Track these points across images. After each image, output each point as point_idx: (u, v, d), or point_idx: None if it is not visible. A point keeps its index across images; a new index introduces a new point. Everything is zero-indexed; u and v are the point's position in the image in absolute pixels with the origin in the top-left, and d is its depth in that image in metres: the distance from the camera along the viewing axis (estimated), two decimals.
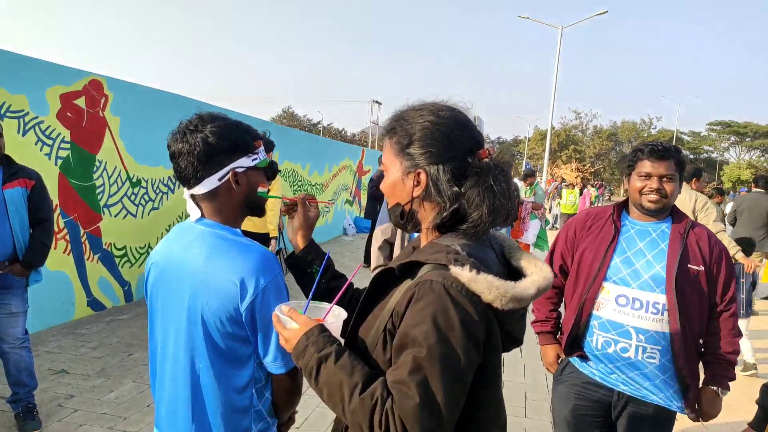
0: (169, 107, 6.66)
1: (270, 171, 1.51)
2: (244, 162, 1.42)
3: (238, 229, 1.46)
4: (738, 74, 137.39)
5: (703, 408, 2.19)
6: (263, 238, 6.33)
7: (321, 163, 12.21)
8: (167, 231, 6.82)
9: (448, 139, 1.21)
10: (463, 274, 1.09)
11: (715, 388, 2.18)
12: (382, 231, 2.84)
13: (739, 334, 2.22)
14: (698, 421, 2.22)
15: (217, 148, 1.39)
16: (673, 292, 2.09)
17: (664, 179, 2.20)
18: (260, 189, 1.48)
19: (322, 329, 1.19)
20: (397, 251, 2.78)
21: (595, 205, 11.26)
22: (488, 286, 1.09)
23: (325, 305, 1.33)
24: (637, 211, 2.27)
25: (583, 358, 2.29)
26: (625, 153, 59.55)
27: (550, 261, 2.48)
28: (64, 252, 5.38)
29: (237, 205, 1.46)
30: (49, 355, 4.57)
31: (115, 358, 4.61)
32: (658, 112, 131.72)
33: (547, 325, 2.49)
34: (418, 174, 1.21)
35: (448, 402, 1.06)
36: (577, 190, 13.81)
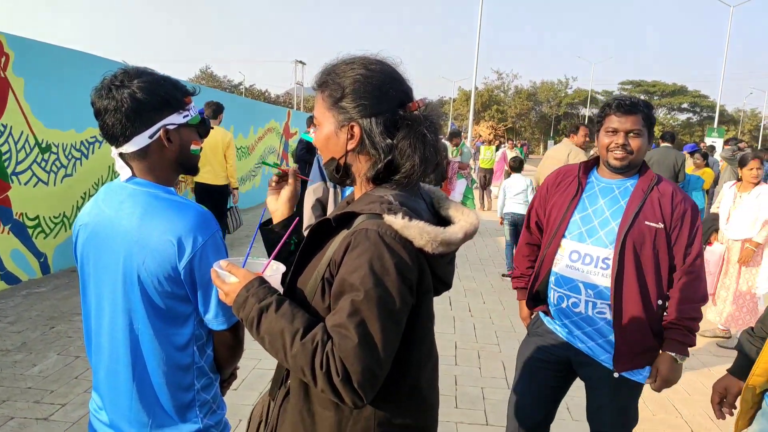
0: (78, 67, 6.23)
1: (202, 128, 1.47)
2: (175, 119, 1.38)
3: (171, 188, 1.42)
4: (647, 33, 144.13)
5: (660, 374, 2.10)
6: (221, 191, 6.35)
7: (245, 126, 11.87)
8: (83, 199, 6.49)
9: (379, 92, 1.23)
10: (396, 221, 1.14)
11: (672, 354, 2.08)
12: (313, 190, 2.84)
13: (703, 300, 2.13)
14: (657, 389, 2.14)
15: (147, 104, 1.33)
16: (618, 248, 2.07)
17: (631, 134, 2.14)
18: (193, 147, 1.44)
19: (262, 281, 1.21)
20: (330, 209, 2.79)
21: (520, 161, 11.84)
22: (420, 232, 1.14)
23: (263, 260, 1.34)
24: (605, 168, 2.23)
25: (547, 313, 2.33)
26: (543, 113, 61.76)
27: (527, 218, 2.52)
28: None
29: (169, 163, 1.42)
30: None
31: (35, 332, 4.41)
32: (575, 72, 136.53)
33: (523, 282, 2.51)
34: (352, 127, 1.23)
35: (384, 341, 1.11)
36: (493, 147, 14.28)
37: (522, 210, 6.91)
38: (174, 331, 1.39)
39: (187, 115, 1.40)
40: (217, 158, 6.44)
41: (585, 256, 2.16)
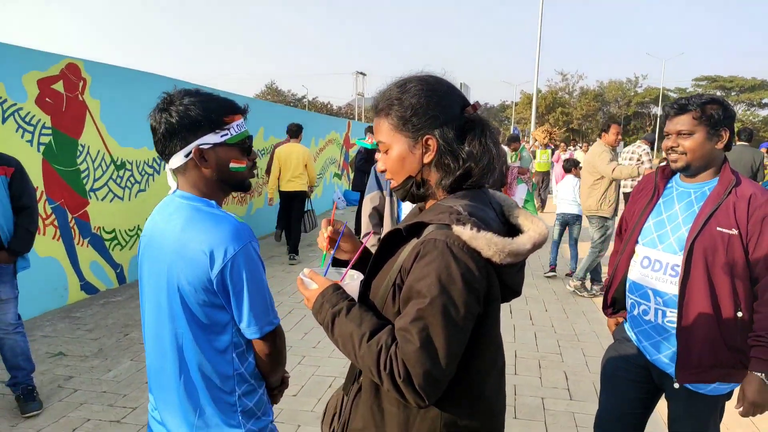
0: (149, 88, 6.59)
1: (245, 146, 1.52)
2: (211, 138, 1.44)
3: (212, 202, 1.48)
4: (723, 29, 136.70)
5: (746, 396, 1.92)
6: (300, 197, 7.73)
7: (307, 138, 12.15)
8: None
9: (444, 101, 1.27)
10: (464, 232, 1.17)
11: (759, 375, 1.89)
12: (370, 199, 2.88)
13: None
14: (744, 414, 1.95)
15: (179, 126, 1.42)
16: (686, 254, 1.98)
17: (679, 135, 2.07)
18: (233, 165, 1.49)
19: (336, 288, 1.31)
20: (386, 218, 2.83)
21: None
22: (487, 243, 1.18)
23: (342, 270, 1.45)
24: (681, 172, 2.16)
25: (626, 320, 2.30)
26: (611, 113, 59.68)
27: (619, 226, 2.48)
28: (53, 238, 5.40)
29: (209, 180, 1.49)
30: (45, 339, 4.63)
31: (111, 339, 4.68)
32: (645, 70, 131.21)
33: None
34: (427, 140, 1.27)
35: (446, 347, 1.15)
36: (549, 150, 14.01)
37: (571, 209, 6.96)
38: (213, 338, 1.45)
39: (226, 134, 1.46)
40: (298, 170, 7.59)
41: (655, 262, 2.10)
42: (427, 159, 1.28)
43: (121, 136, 6.23)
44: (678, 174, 2.21)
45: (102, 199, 6.03)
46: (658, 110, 56.72)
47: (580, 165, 7.20)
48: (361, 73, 58.55)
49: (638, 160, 8.10)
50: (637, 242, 2.19)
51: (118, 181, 6.28)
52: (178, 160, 1.45)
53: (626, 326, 2.31)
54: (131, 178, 6.48)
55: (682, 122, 2.06)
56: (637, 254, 2.18)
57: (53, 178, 5.39)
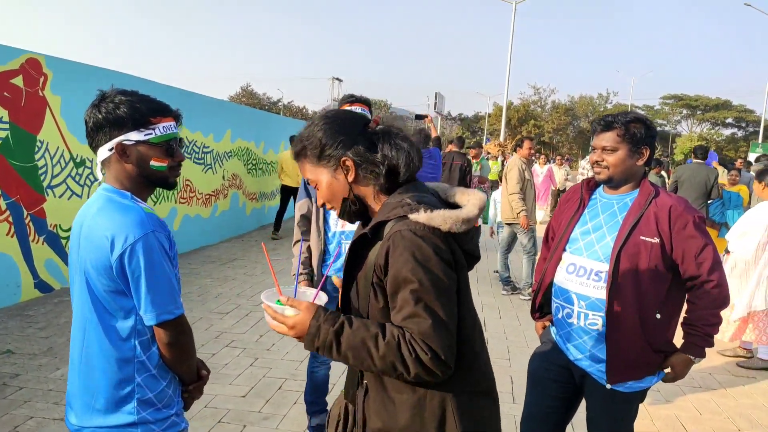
0: (112, 87, 6.56)
1: (168, 147, 1.59)
2: (134, 136, 1.53)
3: (128, 194, 1.56)
4: (690, 48, 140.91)
5: (675, 371, 2.20)
6: (297, 191, 7.59)
7: (275, 141, 12.17)
8: None
9: (346, 126, 1.43)
10: (420, 216, 1.32)
11: (689, 356, 2.18)
12: (299, 207, 2.96)
13: (723, 305, 2.16)
14: (668, 381, 2.25)
15: (105, 121, 1.53)
16: (613, 263, 2.11)
17: (604, 151, 2.20)
18: (153, 163, 1.57)
19: (325, 309, 1.38)
20: (313, 225, 2.91)
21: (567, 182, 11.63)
22: (443, 219, 1.33)
23: (311, 291, 1.54)
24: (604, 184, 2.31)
25: (552, 323, 2.42)
26: (581, 127, 60.92)
27: (546, 234, 2.61)
28: (7, 234, 5.32)
29: (131, 174, 1.58)
30: None
31: (62, 338, 4.63)
32: (616, 87, 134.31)
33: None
34: (344, 162, 1.40)
35: (448, 315, 1.31)
36: (498, 161, 14.38)
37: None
38: (115, 324, 1.52)
39: (150, 134, 1.55)
40: (296, 170, 9.48)
41: (580, 268, 2.22)
42: (350, 178, 1.41)
43: (81, 133, 6.10)
44: (602, 186, 2.34)
45: (60, 197, 5.97)
46: None
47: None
48: (338, 78, 58.65)
49: (580, 172, 8.58)
50: (564, 250, 2.30)
51: (77, 178, 6.22)
52: (103, 153, 1.55)
53: (552, 329, 2.43)
54: (90, 176, 6.42)
55: (607, 138, 2.20)
56: (564, 261, 2.29)
57: (9, 174, 5.32)
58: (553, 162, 15.86)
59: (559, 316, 2.30)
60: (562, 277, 2.28)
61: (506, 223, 7.02)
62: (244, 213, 10.68)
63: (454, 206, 1.48)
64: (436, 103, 25.06)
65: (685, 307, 2.25)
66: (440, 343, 1.27)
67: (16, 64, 5.31)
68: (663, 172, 12.01)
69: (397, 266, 1.30)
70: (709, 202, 8.30)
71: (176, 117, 1.63)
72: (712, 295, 2.14)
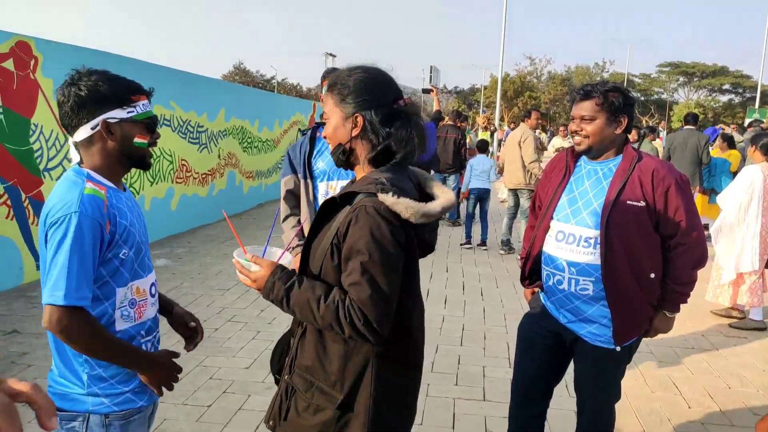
0: (103, 66, 6.53)
1: (151, 123, 1.62)
2: (117, 113, 1.55)
3: (86, 172, 1.56)
4: (686, 14, 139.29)
5: (655, 327, 2.31)
6: None
7: (270, 119, 12.14)
8: None
9: (378, 90, 1.54)
10: (387, 198, 1.43)
11: (666, 312, 2.29)
12: (285, 183, 2.99)
13: (699, 265, 2.25)
14: (650, 337, 2.36)
15: (88, 99, 1.52)
16: (603, 227, 2.16)
17: (582, 120, 2.23)
18: (137, 140, 1.59)
19: (283, 268, 1.53)
20: (303, 200, 2.93)
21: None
22: (405, 207, 1.43)
23: (279, 250, 1.67)
24: None
25: (542, 290, 2.47)
26: None
27: (533, 202, 2.65)
28: (6, 218, 5.36)
29: (113, 154, 1.59)
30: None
31: None
32: (612, 56, 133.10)
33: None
34: (356, 118, 1.51)
35: (390, 289, 1.44)
36: (488, 132, 14.35)
37: (483, 185, 8.01)
38: None
39: (132, 111, 1.57)
40: None
41: (569, 235, 2.27)
42: (354, 133, 1.53)
43: None
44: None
45: (56, 179, 6.00)
46: None
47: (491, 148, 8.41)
48: (331, 54, 58.01)
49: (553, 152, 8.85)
50: (552, 218, 2.35)
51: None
52: (84, 132, 1.55)
53: (542, 296, 2.49)
54: None
55: (586, 108, 2.23)
56: (552, 229, 2.34)
57: (5, 158, 5.34)
58: (551, 134, 15.87)
59: (550, 283, 2.35)
60: (551, 245, 2.33)
61: (510, 189, 7.46)
62: (242, 191, 10.71)
63: (429, 197, 1.61)
64: (431, 77, 24.89)
65: None
66: (375, 313, 1.40)
67: (6, 47, 5.29)
68: (658, 140, 12.03)
69: (354, 237, 1.43)
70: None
71: (149, 96, 1.64)
72: (688, 255, 2.23)
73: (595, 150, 2.27)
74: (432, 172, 8.62)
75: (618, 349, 2.27)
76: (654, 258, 2.23)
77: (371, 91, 1.52)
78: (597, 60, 75.61)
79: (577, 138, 2.26)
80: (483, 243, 7.99)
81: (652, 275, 2.23)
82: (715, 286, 5.12)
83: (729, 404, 3.56)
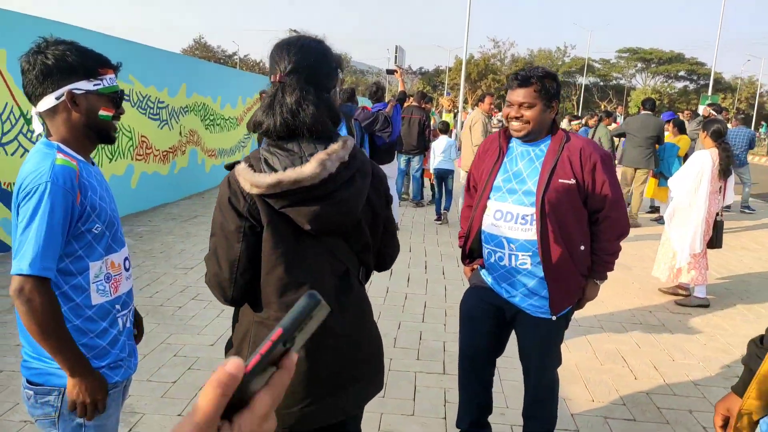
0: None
1: (117, 97, 1.62)
2: (84, 85, 1.54)
3: (57, 144, 1.55)
4: (645, 1, 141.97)
5: (585, 295, 2.50)
6: None
7: (233, 96, 11.96)
8: None
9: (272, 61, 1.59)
10: (238, 168, 1.51)
11: (595, 281, 2.49)
12: None
13: (622, 236, 2.45)
14: (581, 307, 2.54)
15: (54, 69, 1.51)
16: (539, 205, 2.29)
17: (522, 106, 2.31)
18: (102, 112, 1.58)
19: None
20: None
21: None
22: (245, 179, 1.48)
23: None
24: None
25: (482, 266, 2.57)
26: None
27: (468, 182, 2.72)
28: None
29: (78, 126, 1.58)
30: None
31: None
32: (573, 41, 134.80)
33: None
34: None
35: (223, 252, 1.54)
36: (452, 114, 14.50)
37: (446, 165, 8.33)
38: None
39: (99, 84, 1.57)
40: None
41: (506, 213, 2.38)
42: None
43: None
44: None
45: (12, 154, 5.82)
46: (582, 80, 58.80)
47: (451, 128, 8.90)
48: (294, 30, 56.90)
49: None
50: (489, 198, 2.45)
51: (29, 135, 6.06)
52: (48, 102, 1.53)
53: (482, 273, 2.61)
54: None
55: (524, 95, 2.31)
56: (490, 208, 2.44)
57: None
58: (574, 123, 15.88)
59: (492, 260, 2.47)
60: (490, 224, 2.44)
61: (465, 171, 7.45)
62: (203, 170, 10.57)
63: None
64: (396, 57, 24.75)
65: None
66: (210, 272, 1.57)
67: None
68: (614, 124, 12.37)
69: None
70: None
71: (116, 70, 1.64)
72: (612, 227, 2.41)
73: (533, 134, 2.37)
74: (396, 152, 8.70)
75: (554, 318, 2.43)
76: (583, 231, 2.40)
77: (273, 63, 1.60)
78: (559, 44, 76.56)
79: (517, 124, 2.35)
80: (447, 210, 8.43)
81: (582, 247, 2.40)
82: (669, 267, 5.33)
83: (672, 376, 3.80)
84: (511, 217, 2.37)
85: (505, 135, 2.49)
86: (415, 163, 9.18)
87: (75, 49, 1.55)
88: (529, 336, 2.54)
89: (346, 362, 1.64)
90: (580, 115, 16.11)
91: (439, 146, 8.32)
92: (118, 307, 1.68)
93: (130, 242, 6.43)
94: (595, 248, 2.45)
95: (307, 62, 1.54)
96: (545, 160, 2.35)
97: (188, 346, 3.85)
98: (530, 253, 2.36)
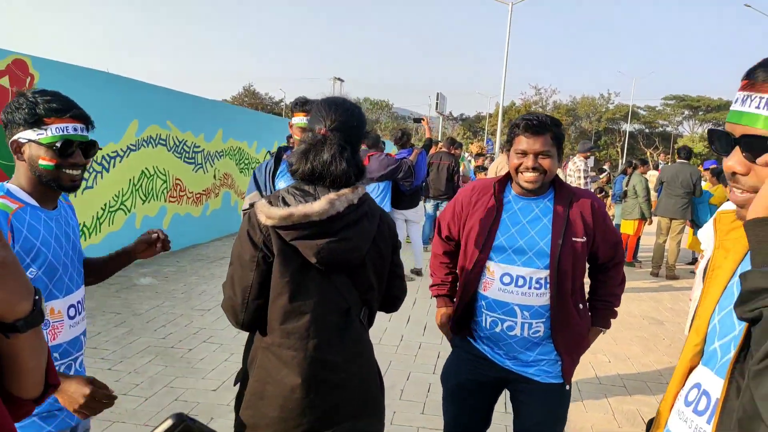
0: (100, 86, 6.66)
1: (61, 146, 1.61)
2: (27, 134, 1.61)
3: (7, 187, 1.64)
4: (691, 49, 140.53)
5: (588, 342, 2.34)
6: None
7: (269, 141, 12.27)
8: (103, 210, 6.90)
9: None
10: (258, 204, 1.64)
11: (600, 328, 2.34)
12: (250, 198, 3.08)
13: (624, 279, 2.37)
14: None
15: (6, 121, 1.63)
16: (555, 267, 2.09)
17: (540, 156, 2.09)
18: (42, 162, 1.61)
19: None
20: None
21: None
22: (261, 211, 1.62)
23: None
24: (519, 187, 2.19)
25: (473, 337, 2.30)
26: (583, 128, 60.96)
27: (439, 227, 2.47)
28: None
29: (28, 174, 1.65)
30: None
31: None
32: (617, 87, 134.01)
33: (443, 289, 2.50)
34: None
35: (239, 281, 1.67)
36: (482, 160, 14.25)
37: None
38: None
39: (42, 134, 1.60)
40: None
41: (518, 278, 2.14)
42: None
43: None
44: (509, 188, 2.26)
45: None
46: (627, 126, 58.02)
47: None
48: (339, 78, 58.73)
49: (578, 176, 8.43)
50: (490, 259, 2.19)
51: None
52: (9, 148, 1.66)
53: (476, 344, 2.30)
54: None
55: (542, 143, 2.09)
56: (493, 272, 2.18)
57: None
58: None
59: (497, 329, 2.20)
60: (497, 290, 2.17)
61: None
62: (236, 211, 10.77)
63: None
64: (437, 104, 25.15)
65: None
66: (225, 297, 1.70)
67: (3, 65, 5.41)
68: (653, 171, 12.04)
69: None
70: None
71: (78, 117, 1.64)
72: (618, 272, 2.34)
73: (544, 186, 2.17)
74: (423, 197, 8.68)
75: (568, 387, 2.23)
76: (584, 290, 2.28)
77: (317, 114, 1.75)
78: (602, 91, 76.21)
79: (533, 175, 2.11)
80: None
81: (581, 306, 2.25)
82: None
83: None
84: (524, 282, 2.14)
85: (500, 187, 2.25)
86: (443, 208, 9.12)
87: (30, 100, 1.60)
88: (537, 404, 2.23)
89: (343, 398, 1.70)
90: (628, 161, 15.43)
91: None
92: (56, 355, 1.66)
93: (153, 282, 6.55)
94: (602, 295, 2.34)
95: (350, 124, 1.72)
96: (555, 217, 2.15)
97: (191, 391, 3.82)
98: (543, 319, 2.15)
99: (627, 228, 8.96)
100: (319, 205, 1.60)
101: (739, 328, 1.01)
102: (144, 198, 7.76)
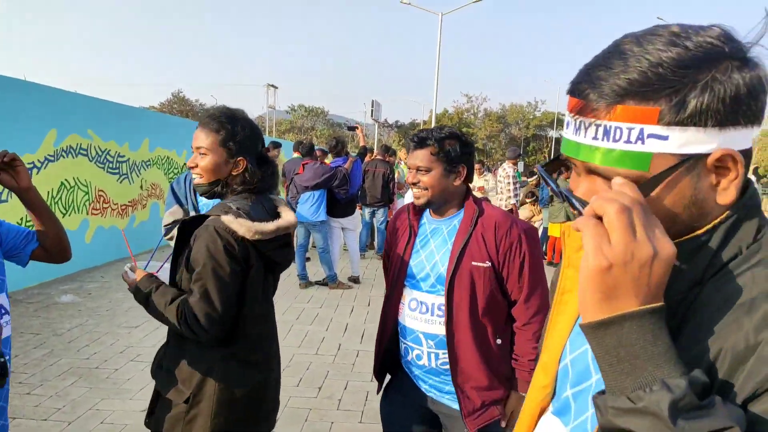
0: (15, 94, 6.27)
1: None
2: None
3: None
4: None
5: (514, 413, 1.96)
6: None
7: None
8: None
9: (256, 140, 1.87)
10: (226, 218, 1.69)
11: (522, 394, 1.93)
12: (171, 213, 3.01)
13: (540, 337, 1.73)
14: (505, 423, 1.97)
15: None
16: (447, 294, 1.92)
17: (419, 171, 1.97)
18: None
19: (150, 276, 1.82)
20: None
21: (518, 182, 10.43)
22: (239, 225, 1.68)
23: (158, 264, 1.97)
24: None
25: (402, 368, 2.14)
26: (512, 134, 63.01)
27: (384, 267, 2.29)
28: None
29: None
30: None
31: None
32: (544, 96, 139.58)
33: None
34: (238, 160, 1.79)
35: (219, 295, 1.67)
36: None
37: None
38: None
39: None
40: None
41: (421, 304, 2.01)
42: (235, 172, 1.80)
43: (9, 147, 5.87)
44: (428, 210, 2.12)
45: None
46: (553, 133, 60.46)
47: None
48: (273, 85, 58.02)
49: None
50: (405, 285, 2.07)
51: None
52: None
53: (408, 373, 2.14)
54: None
55: (421, 157, 1.98)
56: (405, 297, 2.07)
57: None
58: (487, 169, 15.85)
59: (409, 357, 2.06)
60: (406, 315, 2.05)
61: None
62: None
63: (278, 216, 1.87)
64: (373, 111, 25.27)
65: None
66: (201, 314, 1.65)
67: None
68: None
69: (195, 250, 1.70)
70: None
71: None
72: (532, 327, 1.96)
73: (435, 204, 2.02)
74: (360, 205, 8.69)
75: (503, 425, 1.96)
76: (500, 323, 2.00)
77: (253, 140, 1.82)
78: (530, 99, 78.98)
79: (417, 191, 2.00)
80: None
81: (499, 341, 1.99)
82: None
83: None
84: (426, 309, 1.99)
85: (415, 210, 2.11)
86: (380, 215, 9.15)
87: None
88: None
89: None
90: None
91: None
92: None
93: (75, 299, 6.20)
94: (514, 352, 2.00)
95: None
96: (456, 239, 1.97)
97: (117, 413, 3.63)
98: (447, 350, 1.95)
99: (554, 231, 9.31)
100: (292, 216, 1.84)
101: (596, 377, 0.82)
102: (64, 211, 7.34)
